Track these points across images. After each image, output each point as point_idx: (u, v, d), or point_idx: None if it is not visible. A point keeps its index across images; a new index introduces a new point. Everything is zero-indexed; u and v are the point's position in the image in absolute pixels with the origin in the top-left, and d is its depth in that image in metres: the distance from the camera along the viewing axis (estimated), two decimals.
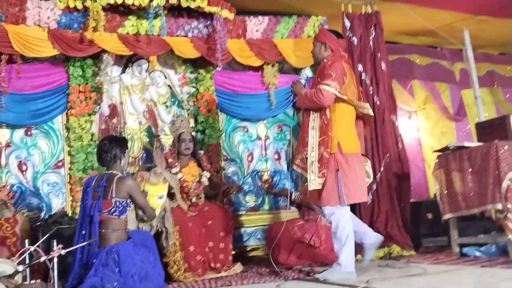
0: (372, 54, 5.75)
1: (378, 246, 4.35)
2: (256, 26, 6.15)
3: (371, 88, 5.66)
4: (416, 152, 7.82)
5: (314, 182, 3.93)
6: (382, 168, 5.48)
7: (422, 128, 8.04)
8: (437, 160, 4.93)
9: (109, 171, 4.04)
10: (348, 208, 4.06)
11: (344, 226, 3.95)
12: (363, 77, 5.67)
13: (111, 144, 4.05)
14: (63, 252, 2.99)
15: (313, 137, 4.00)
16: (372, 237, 4.22)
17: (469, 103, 7.92)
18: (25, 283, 3.73)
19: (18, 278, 3.50)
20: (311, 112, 4.07)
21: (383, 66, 5.74)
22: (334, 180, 3.96)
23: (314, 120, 4.03)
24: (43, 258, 2.91)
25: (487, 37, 7.55)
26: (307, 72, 6.49)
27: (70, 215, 5.07)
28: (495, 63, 8.70)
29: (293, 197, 5.16)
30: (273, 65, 6.27)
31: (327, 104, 3.98)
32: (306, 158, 3.99)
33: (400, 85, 7.71)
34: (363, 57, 5.71)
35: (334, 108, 4.04)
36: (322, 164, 3.92)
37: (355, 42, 5.73)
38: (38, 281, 3.89)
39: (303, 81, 4.47)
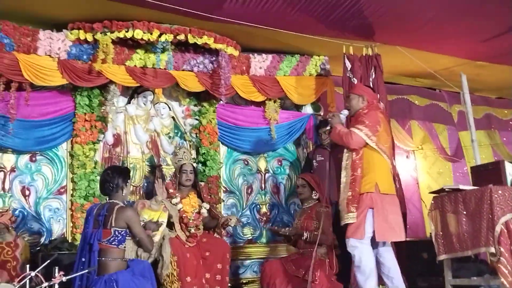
0: None
1: None
2: (259, 63, 6.32)
3: None
4: (413, 191, 7.90)
5: (343, 218, 4.33)
6: None
7: (420, 167, 8.14)
8: (433, 201, 5.01)
9: (111, 201, 4.12)
10: (369, 245, 4.32)
11: (367, 259, 4.25)
12: None
13: (114, 174, 4.14)
14: (64, 279, 3.06)
15: (344, 176, 4.43)
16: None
17: (467, 145, 8.03)
18: None
19: None
20: (344, 151, 4.50)
21: (382, 106, 5.86)
22: (363, 216, 4.28)
23: (346, 160, 4.47)
24: (44, 285, 2.97)
25: (485, 81, 7.73)
26: (308, 109, 6.65)
27: (70, 241, 5.13)
28: (492, 106, 8.87)
29: (304, 237, 5.14)
30: (275, 101, 6.43)
31: (354, 147, 4.39)
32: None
33: (398, 125, 7.85)
34: None
35: (370, 153, 4.40)
36: (353, 202, 4.29)
37: (355, 83, 5.87)
38: None
39: (342, 117, 4.68)
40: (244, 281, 5.90)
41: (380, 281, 4.47)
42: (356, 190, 4.33)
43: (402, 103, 7.94)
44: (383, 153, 4.46)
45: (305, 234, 5.06)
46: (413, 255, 5.83)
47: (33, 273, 3.70)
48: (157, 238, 4.35)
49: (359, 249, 4.28)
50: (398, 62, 6.76)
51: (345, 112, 4.74)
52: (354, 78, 5.89)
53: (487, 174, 4.80)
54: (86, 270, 3.78)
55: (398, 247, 5.53)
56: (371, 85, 5.90)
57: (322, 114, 6.74)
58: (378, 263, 4.41)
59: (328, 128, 4.75)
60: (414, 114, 8.05)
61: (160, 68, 5.66)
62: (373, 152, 4.42)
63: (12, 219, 4.96)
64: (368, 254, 4.29)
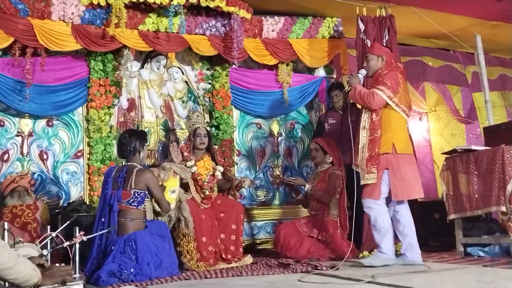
0: None
1: (409, 265, 4.45)
2: (272, 26, 6.29)
3: None
4: (426, 153, 7.93)
5: (363, 178, 4.40)
6: None
7: (433, 129, 8.14)
8: (445, 162, 5.06)
9: (129, 163, 4.22)
10: (384, 204, 4.45)
11: (383, 219, 4.40)
12: None
13: (131, 137, 4.23)
14: (85, 238, 3.16)
15: (363, 136, 4.47)
16: (415, 255, 4.46)
17: (480, 106, 7.98)
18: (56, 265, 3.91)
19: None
20: (363, 112, 4.52)
21: (401, 66, 5.82)
22: (379, 177, 4.37)
23: (365, 121, 4.49)
24: (66, 244, 3.07)
25: (500, 41, 7.62)
26: (321, 72, 6.64)
27: (87, 203, 5.26)
28: (507, 67, 8.77)
29: (306, 188, 5.31)
30: (287, 64, 6.43)
31: (375, 107, 4.41)
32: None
33: (412, 87, 7.81)
34: None
35: (388, 113, 4.43)
36: (373, 163, 4.35)
37: (369, 44, 5.83)
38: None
39: (360, 76, 4.69)
40: (258, 242, 6.03)
41: (395, 238, 4.58)
42: (375, 150, 4.39)
43: (415, 65, 7.88)
44: (403, 112, 4.50)
45: (307, 185, 5.20)
46: (425, 215, 5.89)
47: (54, 234, 3.82)
48: (172, 205, 4.46)
49: (375, 209, 4.41)
50: (412, 23, 6.68)
51: (363, 71, 4.74)
52: (367, 40, 5.85)
53: (499, 134, 4.82)
54: (106, 230, 3.90)
55: (410, 207, 5.62)
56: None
57: (335, 77, 6.73)
58: (395, 220, 4.51)
59: (348, 88, 4.70)
60: (427, 76, 8.00)
61: (172, 32, 5.67)
62: (392, 112, 4.45)
63: (31, 183, 5.08)
64: (384, 214, 4.42)
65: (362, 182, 4.42)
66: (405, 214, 4.51)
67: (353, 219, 4.97)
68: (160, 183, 4.38)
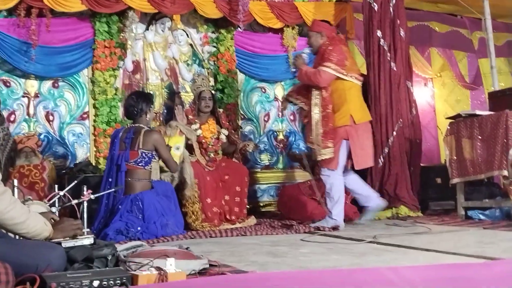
0: (392, 21, 5.79)
1: (379, 210, 4.94)
2: None
3: (388, 54, 5.74)
4: (430, 119, 7.93)
5: (320, 153, 4.47)
6: (394, 133, 5.61)
7: (437, 95, 8.11)
8: (449, 126, 5.08)
9: (136, 124, 4.26)
10: (341, 174, 4.61)
11: (338, 188, 4.56)
12: (381, 43, 5.74)
13: (139, 99, 4.26)
14: (92, 196, 3.21)
15: (316, 113, 4.51)
16: (375, 201, 4.81)
17: (486, 72, 7.93)
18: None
19: None
20: (313, 89, 4.53)
21: (402, 33, 5.81)
22: (337, 148, 4.50)
23: (316, 97, 4.52)
24: (74, 201, 3.12)
25: (508, 7, 7.50)
26: None
27: (94, 164, 5.32)
28: None
29: (304, 161, 5.33)
30: (293, 28, 6.39)
31: (324, 85, 4.48)
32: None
33: (417, 52, 7.76)
34: (383, 24, 5.76)
35: (340, 85, 4.51)
36: (328, 137, 4.44)
37: (376, 8, 5.77)
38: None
39: (305, 56, 4.71)
40: (261, 204, 6.11)
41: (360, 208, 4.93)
42: (329, 125, 4.48)
43: (422, 30, 7.79)
44: (355, 80, 4.61)
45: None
46: (427, 180, 5.95)
47: (61, 193, 3.88)
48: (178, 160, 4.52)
49: (331, 178, 4.57)
50: None
51: (306, 50, 4.82)
52: (374, 4, 5.78)
53: (504, 99, 4.82)
54: (113, 189, 3.97)
55: (412, 172, 5.69)
56: (391, 11, 5.80)
57: None
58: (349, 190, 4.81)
59: (293, 69, 4.85)
60: (434, 41, 7.92)
61: None
62: (345, 83, 4.55)
63: (38, 143, 5.15)
64: (339, 183, 4.59)
65: (318, 158, 4.51)
66: (353, 180, 4.78)
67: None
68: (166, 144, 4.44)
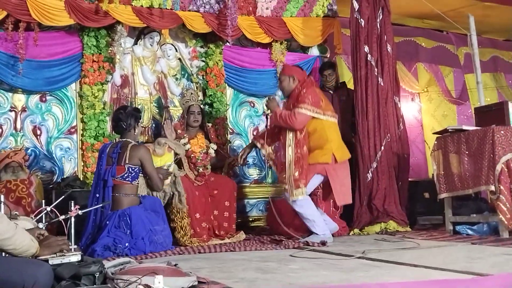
0: (379, 36, 5.86)
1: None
2: (266, 3, 6.27)
3: (375, 70, 5.80)
4: (417, 134, 8.00)
5: (292, 194, 4.49)
6: (382, 148, 5.64)
7: (424, 110, 8.20)
8: (436, 141, 5.12)
9: (123, 139, 4.24)
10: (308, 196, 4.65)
11: (309, 207, 4.60)
12: (368, 59, 5.80)
13: (127, 114, 4.25)
14: (80, 212, 3.18)
15: (289, 154, 4.55)
16: (330, 225, 4.81)
17: (472, 87, 8.04)
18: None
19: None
20: (287, 132, 4.58)
21: (389, 48, 5.87)
22: (309, 179, 4.55)
23: (290, 139, 4.57)
24: (61, 217, 3.09)
25: (493, 22, 7.65)
26: (314, 51, 6.65)
27: (81, 179, 5.28)
28: (499, 49, 8.81)
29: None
30: (281, 43, 6.42)
31: (299, 127, 4.52)
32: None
33: (404, 67, 7.85)
34: (370, 39, 5.82)
35: (319, 125, 4.58)
36: (301, 178, 4.47)
37: (362, 24, 5.84)
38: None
39: (277, 99, 4.79)
40: (250, 219, 6.09)
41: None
42: (304, 167, 4.51)
43: (408, 45, 7.90)
44: (332, 118, 4.69)
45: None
46: (415, 195, 5.99)
47: (48, 208, 3.84)
48: (167, 180, 4.51)
49: (301, 202, 4.54)
50: (405, 2, 6.69)
51: (279, 93, 4.96)
52: (361, 19, 5.85)
53: (490, 115, 4.87)
54: (101, 205, 3.93)
55: (400, 187, 5.71)
56: (378, 27, 5.87)
57: (328, 56, 6.74)
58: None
59: (267, 111, 4.87)
60: (420, 56, 8.03)
61: (166, 9, 5.65)
62: (323, 122, 4.61)
63: (25, 158, 5.09)
64: (309, 204, 4.61)
65: (291, 199, 4.51)
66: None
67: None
68: (166, 168, 4.43)
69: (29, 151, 5.26)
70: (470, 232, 4.82)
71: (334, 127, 4.73)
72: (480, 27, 6.44)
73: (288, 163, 4.53)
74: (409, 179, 6.03)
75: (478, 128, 4.75)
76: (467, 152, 4.72)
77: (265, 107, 4.96)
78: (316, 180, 4.65)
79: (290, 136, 4.58)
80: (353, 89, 5.96)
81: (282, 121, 4.58)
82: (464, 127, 4.91)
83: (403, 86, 7.44)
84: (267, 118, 4.96)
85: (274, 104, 4.79)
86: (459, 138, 4.80)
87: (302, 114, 4.51)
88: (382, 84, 5.79)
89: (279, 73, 5.07)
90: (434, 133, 5.48)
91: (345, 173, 4.74)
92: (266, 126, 5.08)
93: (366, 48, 5.82)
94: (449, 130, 5.01)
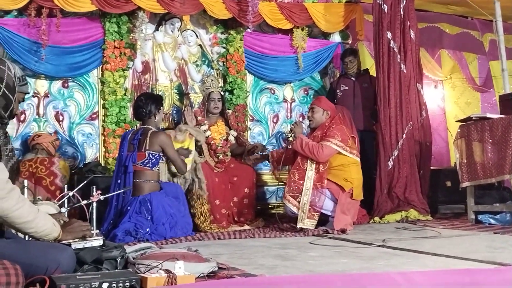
0: (402, 22, 5.77)
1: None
2: None
3: (398, 56, 5.72)
4: (440, 121, 7.88)
5: (302, 221, 4.43)
6: (404, 135, 5.59)
7: (447, 97, 8.06)
8: (459, 130, 5.04)
9: (144, 126, 4.27)
10: None
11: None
12: (391, 45, 5.72)
13: (148, 100, 4.27)
14: (102, 197, 3.21)
15: (309, 180, 4.52)
16: None
17: (497, 75, 7.87)
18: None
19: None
20: (308, 161, 4.58)
21: (412, 34, 5.78)
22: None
23: (310, 170, 4.56)
24: (84, 202, 3.12)
25: None
26: (336, 38, 6.58)
27: (103, 165, 5.34)
28: None
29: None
30: (302, 29, 6.37)
31: (322, 160, 4.54)
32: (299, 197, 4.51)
33: (428, 54, 7.71)
34: (393, 25, 5.74)
35: (347, 162, 4.63)
36: (314, 208, 4.45)
37: (385, 10, 5.75)
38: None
39: (304, 126, 4.78)
40: (270, 206, 6.09)
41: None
42: (321, 198, 4.51)
43: (432, 32, 7.75)
44: (356, 156, 4.71)
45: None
46: (437, 183, 5.91)
47: (71, 193, 3.91)
48: (189, 166, 4.54)
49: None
50: None
51: (307, 122, 4.96)
52: (384, 5, 5.76)
53: None
54: (122, 190, 3.97)
55: (422, 175, 5.66)
56: (402, 12, 5.78)
57: (350, 42, 6.67)
58: None
59: (291, 136, 4.87)
60: (444, 43, 7.87)
61: None
62: (348, 159, 4.64)
63: (55, 143, 5.12)
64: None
65: (299, 226, 4.44)
66: None
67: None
68: (186, 147, 4.45)
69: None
70: (492, 221, 4.76)
71: (358, 165, 4.77)
72: (506, 13, 6.30)
73: (304, 190, 4.50)
74: (431, 167, 5.96)
75: (503, 116, 4.67)
76: (490, 141, 4.64)
77: (289, 132, 4.98)
78: (329, 195, 4.63)
79: (310, 166, 4.58)
80: (375, 76, 5.89)
81: (308, 151, 4.58)
82: (488, 115, 4.82)
83: (426, 73, 7.31)
84: (287, 140, 4.97)
85: (299, 130, 4.82)
86: (483, 126, 4.73)
87: (329, 148, 4.55)
88: (404, 71, 5.72)
89: (313, 102, 5.08)
90: (457, 121, 5.40)
91: (351, 211, 4.71)
92: (283, 147, 5.23)
93: (389, 35, 5.75)
94: (473, 118, 4.93)
